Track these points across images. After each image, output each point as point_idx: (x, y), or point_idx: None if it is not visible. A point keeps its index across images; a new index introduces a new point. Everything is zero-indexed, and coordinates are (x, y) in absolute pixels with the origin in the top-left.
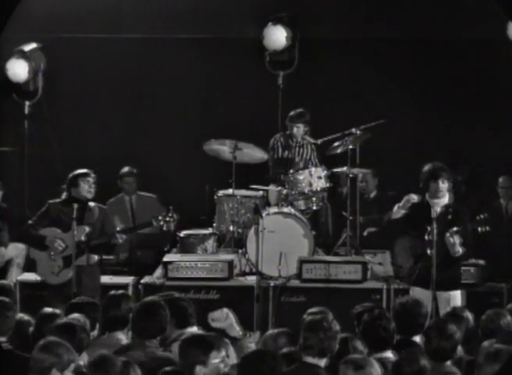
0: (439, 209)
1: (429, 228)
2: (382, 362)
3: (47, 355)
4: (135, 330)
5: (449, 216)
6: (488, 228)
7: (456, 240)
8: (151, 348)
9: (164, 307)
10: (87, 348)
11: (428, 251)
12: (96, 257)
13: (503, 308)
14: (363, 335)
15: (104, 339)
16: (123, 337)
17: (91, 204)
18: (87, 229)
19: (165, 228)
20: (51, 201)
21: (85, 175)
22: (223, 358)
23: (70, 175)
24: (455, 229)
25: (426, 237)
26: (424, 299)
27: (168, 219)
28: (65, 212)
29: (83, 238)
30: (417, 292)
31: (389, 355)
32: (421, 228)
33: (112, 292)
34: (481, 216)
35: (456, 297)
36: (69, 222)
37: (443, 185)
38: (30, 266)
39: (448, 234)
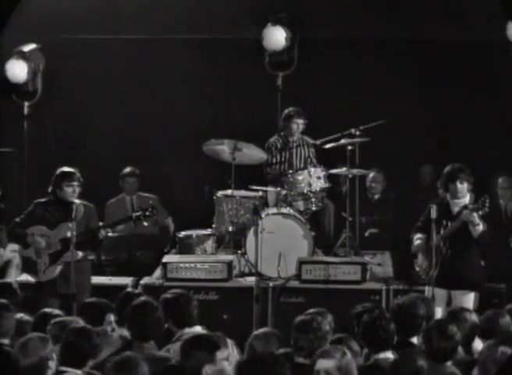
0: (457, 209)
1: (444, 222)
2: (382, 363)
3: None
4: (131, 332)
5: None
6: (487, 210)
7: (476, 217)
8: (148, 350)
9: (158, 308)
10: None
11: (441, 244)
12: (80, 253)
13: (502, 309)
14: (363, 336)
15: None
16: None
17: (77, 201)
18: (71, 226)
19: (145, 223)
20: (36, 201)
21: (69, 179)
22: (228, 356)
23: (55, 175)
24: (471, 206)
25: (441, 231)
26: (439, 298)
27: (148, 213)
28: (50, 211)
29: (68, 235)
30: (436, 292)
31: (389, 355)
32: (439, 226)
33: (129, 289)
34: (482, 198)
35: (469, 299)
36: (55, 220)
37: (461, 186)
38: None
39: (466, 212)
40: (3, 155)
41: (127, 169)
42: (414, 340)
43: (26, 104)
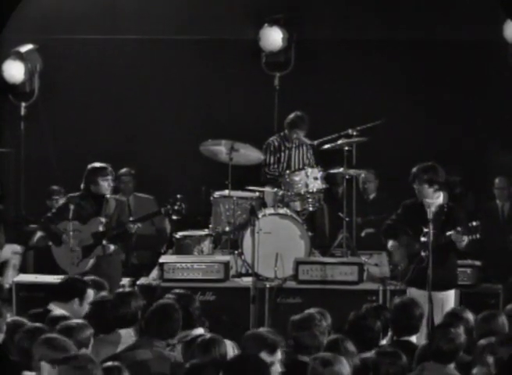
0: (433, 209)
1: (425, 229)
2: (366, 363)
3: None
4: (147, 329)
5: (443, 217)
6: (478, 236)
7: (464, 238)
8: (158, 348)
9: (178, 311)
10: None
11: (423, 253)
12: (112, 247)
13: (498, 310)
14: (348, 335)
15: (110, 337)
16: (132, 335)
17: (108, 196)
18: (103, 220)
19: (174, 217)
20: (70, 195)
21: (104, 173)
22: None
23: (88, 170)
24: (459, 229)
25: (422, 239)
26: (420, 299)
27: (177, 207)
28: (83, 206)
29: (100, 229)
30: (413, 292)
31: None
32: (416, 228)
33: (121, 290)
34: (474, 224)
35: (450, 297)
36: (87, 214)
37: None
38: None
39: (457, 234)
40: (0, 156)
41: (123, 170)
42: (413, 339)
43: (23, 104)
